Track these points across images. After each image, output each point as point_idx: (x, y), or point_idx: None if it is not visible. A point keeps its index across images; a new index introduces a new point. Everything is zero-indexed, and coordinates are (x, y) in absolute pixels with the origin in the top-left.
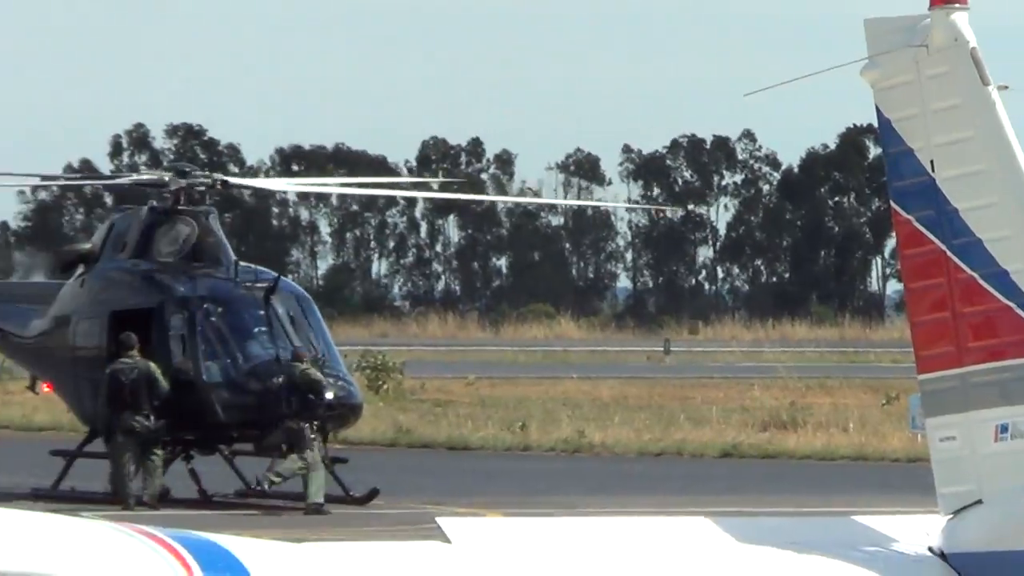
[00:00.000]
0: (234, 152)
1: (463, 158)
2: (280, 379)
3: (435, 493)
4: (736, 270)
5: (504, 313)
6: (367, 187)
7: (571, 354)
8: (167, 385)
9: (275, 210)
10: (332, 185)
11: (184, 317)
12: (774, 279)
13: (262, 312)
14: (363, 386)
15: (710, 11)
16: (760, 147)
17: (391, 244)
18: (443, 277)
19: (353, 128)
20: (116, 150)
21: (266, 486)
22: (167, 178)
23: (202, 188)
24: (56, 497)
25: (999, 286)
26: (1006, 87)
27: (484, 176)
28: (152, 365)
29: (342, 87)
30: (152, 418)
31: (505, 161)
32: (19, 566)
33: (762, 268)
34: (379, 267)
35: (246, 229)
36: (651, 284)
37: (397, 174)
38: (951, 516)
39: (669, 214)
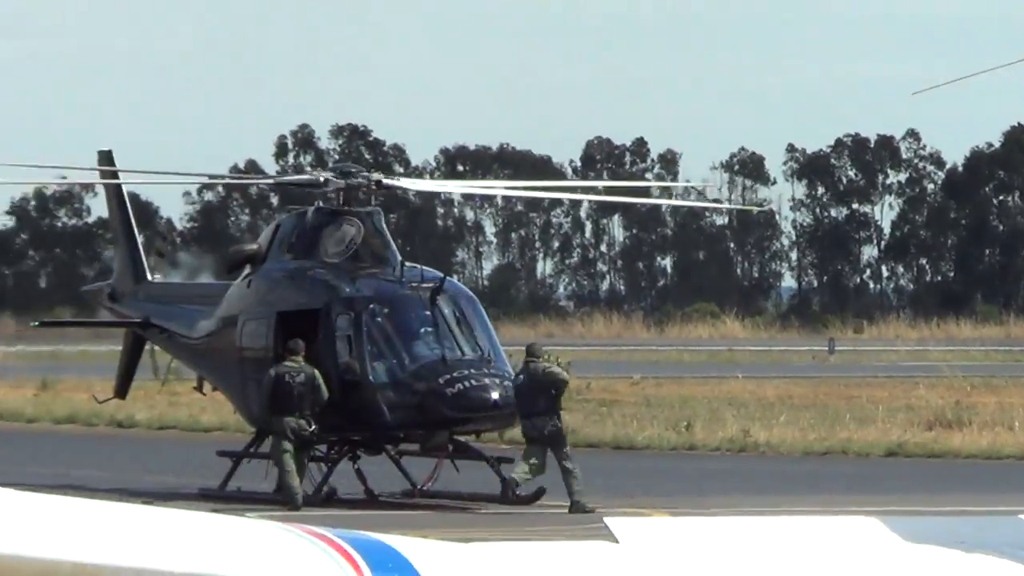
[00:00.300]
0: (399, 152)
1: (627, 158)
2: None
3: (600, 493)
4: (900, 269)
5: (669, 313)
6: (532, 190)
7: (736, 353)
8: (327, 393)
9: (440, 210)
10: (498, 188)
11: (350, 317)
12: (939, 278)
13: (428, 312)
14: None
15: (876, 10)
16: (924, 146)
17: (556, 244)
18: (608, 277)
19: (518, 128)
20: (281, 151)
21: (516, 485)
22: (323, 179)
23: (364, 188)
24: (223, 497)
25: None
26: None
27: (648, 176)
28: (316, 372)
29: (507, 87)
30: (312, 423)
31: (669, 161)
32: (187, 567)
33: (926, 267)
34: (544, 267)
35: (412, 230)
36: (816, 283)
37: (562, 174)
38: None
39: (756, 212)
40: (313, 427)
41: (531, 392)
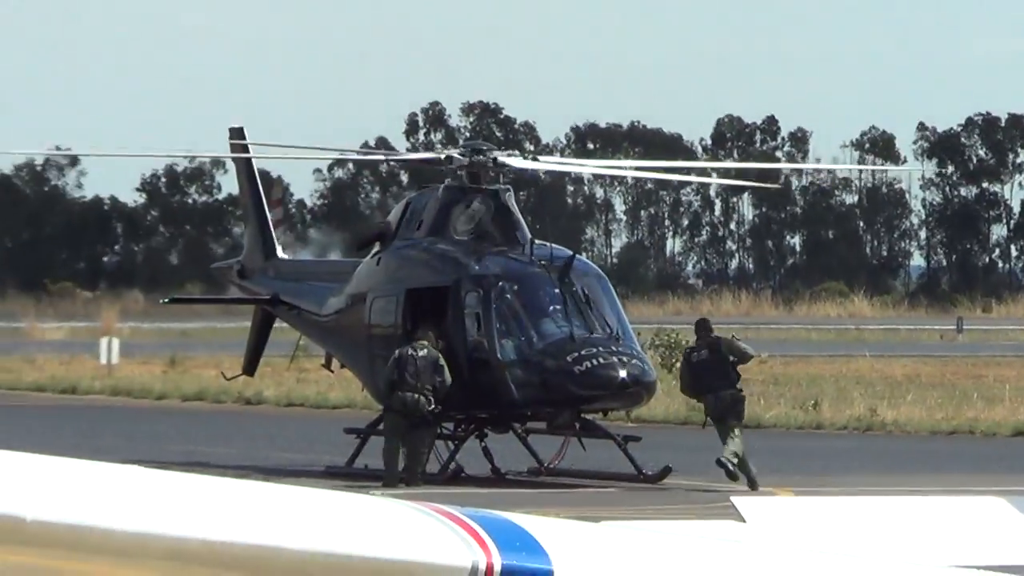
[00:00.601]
0: (530, 130)
1: (758, 136)
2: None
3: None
4: None
5: (797, 291)
6: (659, 171)
7: (864, 332)
8: (450, 378)
9: (570, 188)
10: (627, 168)
11: (479, 295)
12: None
13: (557, 290)
14: (656, 364)
15: None
16: None
17: (685, 222)
18: (737, 255)
19: (648, 106)
20: (412, 128)
21: (730, 467)
22: (448, 156)
23: (489, 167)
24: (350, 475)
25: None
26: None
27: (779, 154)
28: (440, 355)
29: (638, 65)
30: (432, 402)
31: (800, 139)
32: (313, 545)
33: None
34: (673, 245)
35: (542, 207)
36: (944, 262)
37: (692, 152)
38: None
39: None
40: (433, 406)
41: (715, 366)
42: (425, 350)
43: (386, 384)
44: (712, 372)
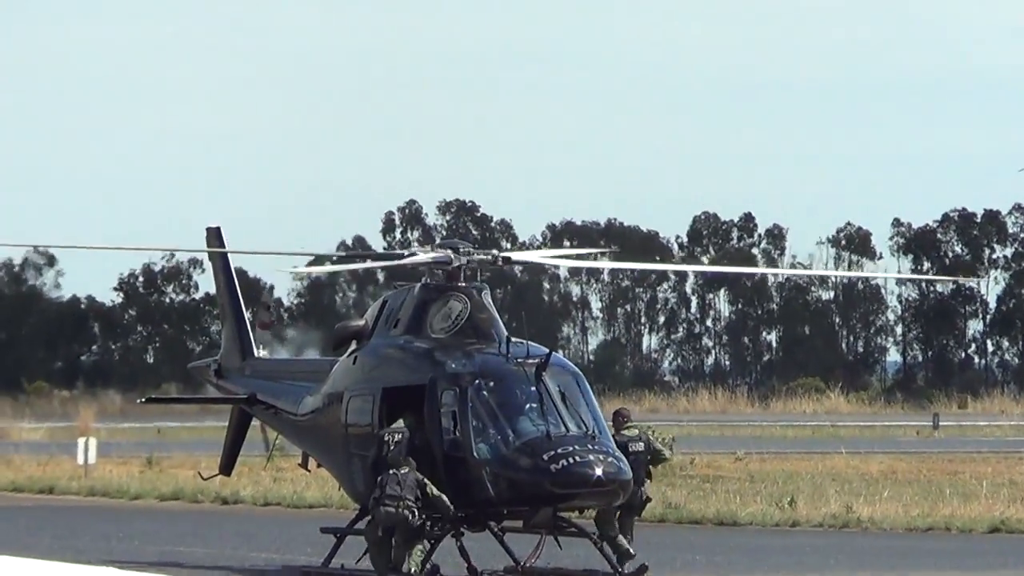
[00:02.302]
0: (506, 228)
1: (735, 233)
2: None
3: (703, 570)
4: (1006, 343)
5: (774, 387)
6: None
7: (840, 429)
8: (433, 494)
9: (547, 286)
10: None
11: (456, 393)
12: None
13: (533, 388)
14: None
15: (979, 83)
16: None
17: (662, 319)
18: (713, 351)
19: (624, 203)
20: (389, 227)
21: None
22: (450, 256)
23: (478, 265)
24: (327, 575)
25: None
26: None
27: (755, 251)
28: (424, 479)
29: (614, 162)
30: (416, 514)
31: (776, 236)
32: None
33: None
34: (650, 342)
35: (518, 305)
36: (920, 358)
37: (668, 249)
38: None
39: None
40: (422, 519)
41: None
42: (407, 469)
43: (370, 499)
44: (643, 466)
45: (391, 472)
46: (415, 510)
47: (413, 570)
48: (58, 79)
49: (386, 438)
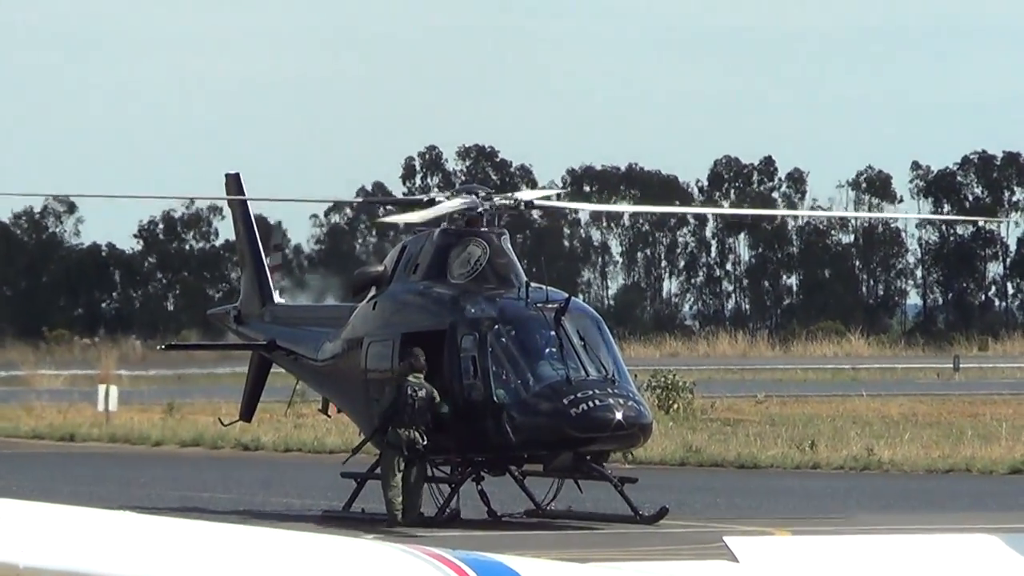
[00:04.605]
0: (525, 173)
1: (755, 177)
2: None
3: (724, 512)
4: None
5: (794, 331)
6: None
7: (861, 372)
8: (447, 409)
9: (567, 231)
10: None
11: (475, 338)
12: None
13: (552, 333)
14: (653, 406)
15: (998, 26)
16: None
17: (681, 264)
18: (733, 296)
19: (645, 148)
20: (409, 172)
21: None
22: (476, 202)
23: (497, 210)
24: (347, 519)
25: None
26: None
27: (775, 195)
28: (435, 390)
29: (634, 107)
30: (425, 438)
31: (797, 179)
32: None
33: None
34: (670, 286)
35: (538, 250)
36: (941, 301)
37: (688, 194)
38: None
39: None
40: (426, 441)
41: None
42: (423, 390)
43: (382, 419)
44: None
45: (409, 392)
46: (424, 435)
47: (400, 516)
48: (77, 26)
49: (409, 392)
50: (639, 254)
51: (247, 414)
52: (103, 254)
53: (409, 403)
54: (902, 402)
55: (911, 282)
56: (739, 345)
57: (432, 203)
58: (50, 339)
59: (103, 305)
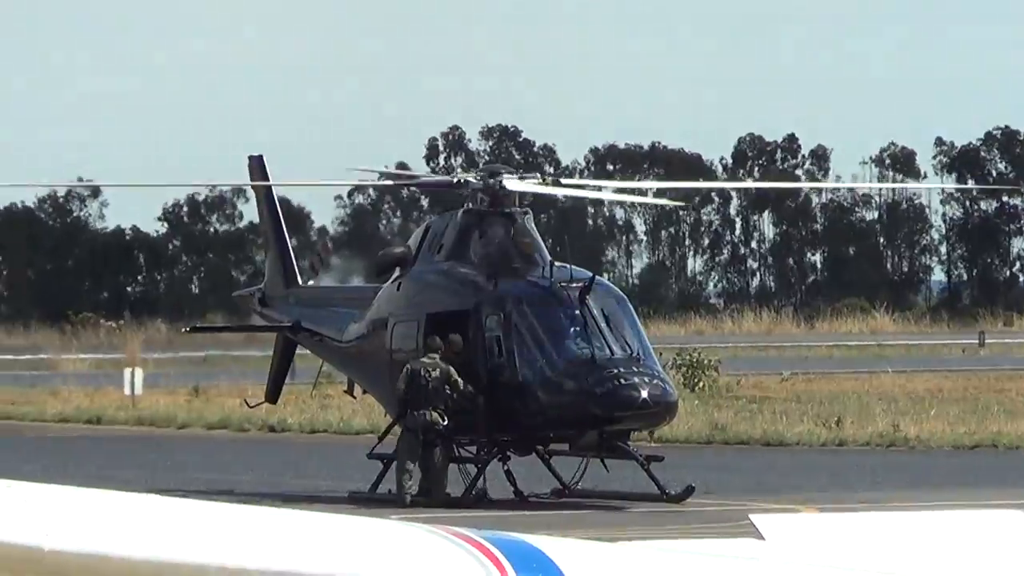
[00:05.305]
0: (549, 153)
1: (779, 154)
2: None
3: (750, 490)
4: None
5: (819, 308)
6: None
7: (886, 348)
8: (463, 386)
9: (591, 210)
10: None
11: (499, 318)
12: None
13: (577, 312)
14: (679, 384)
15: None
16: None
17: (706, 241)
18: (758, 273)
19: (668, 126)
20: (432, 153)
21: None
22: (459, 180)
23: (500, 190)
24: (374, 500)
25: None
26: None
27: (799, 172)
28: (451, 369)
29: (657, 85)
30: (445, 419)
31: (820, 156)
32: (331, 570)
33: None
34: (694, 264)
35: (562, 229)
36: (965, 276)
37: (712, 172)
38: None
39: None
40: (446, 422)
41: None
42: (437, 370)
43: (399, 403)
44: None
45: (422, 373)
46: (444, 415)
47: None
48: (101, 8)
49: (422, 374)
50: (663, 232)
51: (273, 396)
52: (128, 237)
53: (423, 384)
54: (928, 378)
55: (935, 258)
56: (764, 323)
57: (459, 184)
58: (76, 323)
59: (128, 288)
